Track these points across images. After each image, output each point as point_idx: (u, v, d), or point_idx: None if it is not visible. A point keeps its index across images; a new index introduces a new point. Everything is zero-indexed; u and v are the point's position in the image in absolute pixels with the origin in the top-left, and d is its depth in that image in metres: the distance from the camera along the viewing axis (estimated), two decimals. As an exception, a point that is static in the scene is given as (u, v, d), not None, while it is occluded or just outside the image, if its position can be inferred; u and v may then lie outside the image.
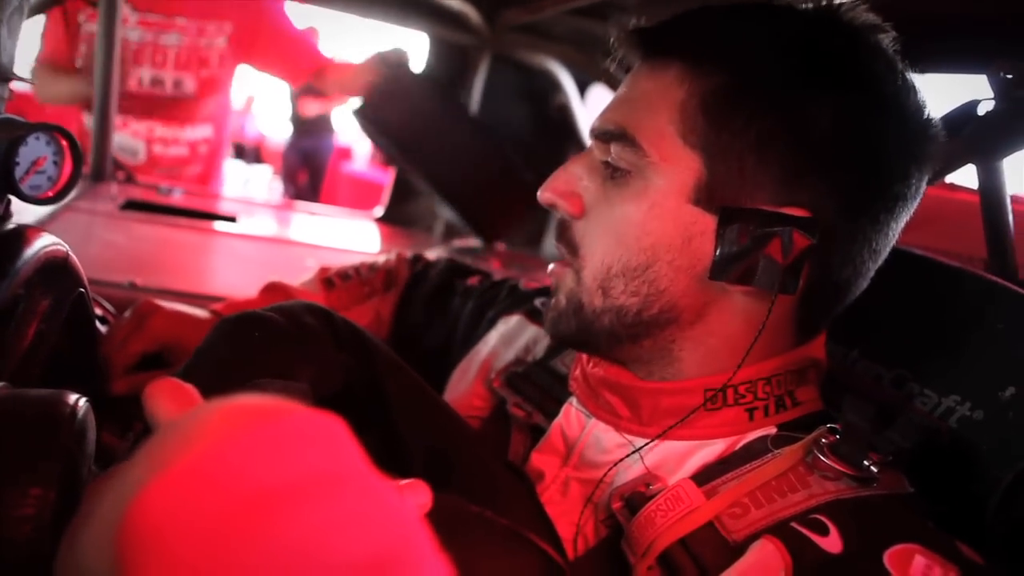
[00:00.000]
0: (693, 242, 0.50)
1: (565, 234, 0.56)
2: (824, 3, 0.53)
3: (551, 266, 0.59)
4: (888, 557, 0.39)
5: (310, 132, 4.62)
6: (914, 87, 0.51)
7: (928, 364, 0.58)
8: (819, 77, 0.49)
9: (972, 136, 0.72)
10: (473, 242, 1.76)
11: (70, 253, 0.56)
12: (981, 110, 0.66)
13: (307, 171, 4.76)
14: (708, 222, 0.50)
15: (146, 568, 0.19)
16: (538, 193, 0.57)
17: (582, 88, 1.82)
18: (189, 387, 0.28)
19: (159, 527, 0.19)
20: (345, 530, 0.20)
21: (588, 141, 0.57)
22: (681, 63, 0.51)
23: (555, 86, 1.78)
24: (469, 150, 1.54)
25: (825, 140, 0.48)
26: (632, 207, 0.52)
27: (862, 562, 0.40)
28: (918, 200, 0.53)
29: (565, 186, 0.56)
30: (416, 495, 0.32)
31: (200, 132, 1.91)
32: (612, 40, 0.56)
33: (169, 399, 0.27)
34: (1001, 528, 0.44)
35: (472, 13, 1.65)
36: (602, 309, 0.53)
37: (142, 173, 1.78)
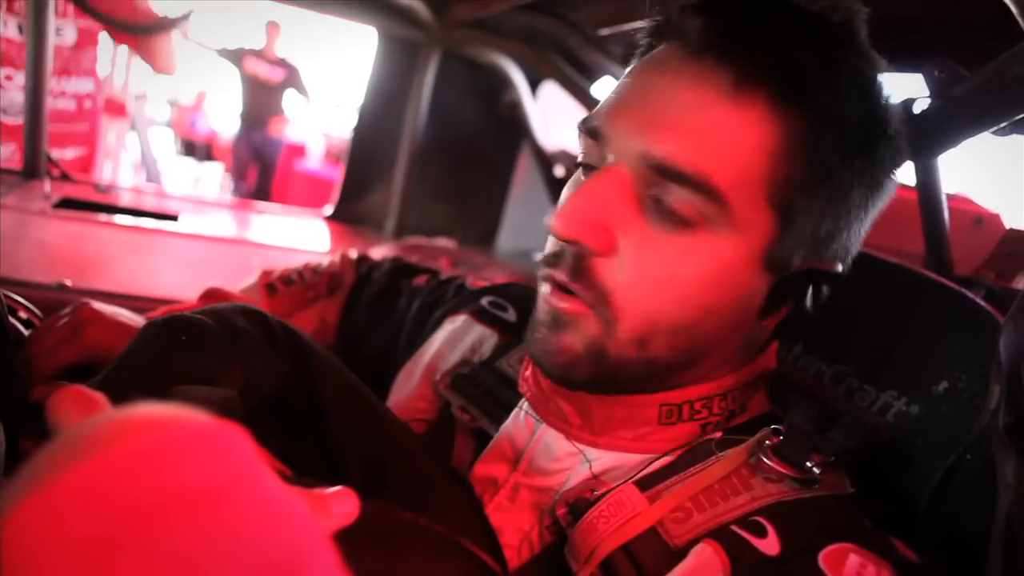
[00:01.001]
0: (748, 302, 0.48)
1: (585, 272, 0.46)
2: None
3: (561, 301, 0.47)
4: (823, 557, 0.39)
5: (260, 125, 4.52)
6: None
7: (866, 360, 0.59)
8: (880, 115, 0.47)
9: (909, 134, 0.73)
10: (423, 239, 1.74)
11: None
12: (917, 108, 0.67)
13: (257, 167, 4.66)
14: (766, 282, 0.48)
15: None
16: (553, 223, 0.45)
17: (533, 85, 1.81)
18: (95, 395, 0.27)
19: (29, 547, 0.18)
20: (230, 542, 0.20)
21: (579, 147, 0.49)
22: (770, 94, 0.43)
23: (506, 83, 1.77)
24: None
25: (864, 185, 0.47)
26: (695, 265, 0.45)
27: (797, 563, 0.40)
28: None
29: (594, 217, 0.45)
30: (342, 503, 0.30)
31: (83, 86, 1.88)
32: (677, 28, 0.46)
33: (73, 408, 0.26)
34: (932, 524, 0.45)
35: (421, 8, 1.63)
36: (633, 360, 0.48)
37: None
